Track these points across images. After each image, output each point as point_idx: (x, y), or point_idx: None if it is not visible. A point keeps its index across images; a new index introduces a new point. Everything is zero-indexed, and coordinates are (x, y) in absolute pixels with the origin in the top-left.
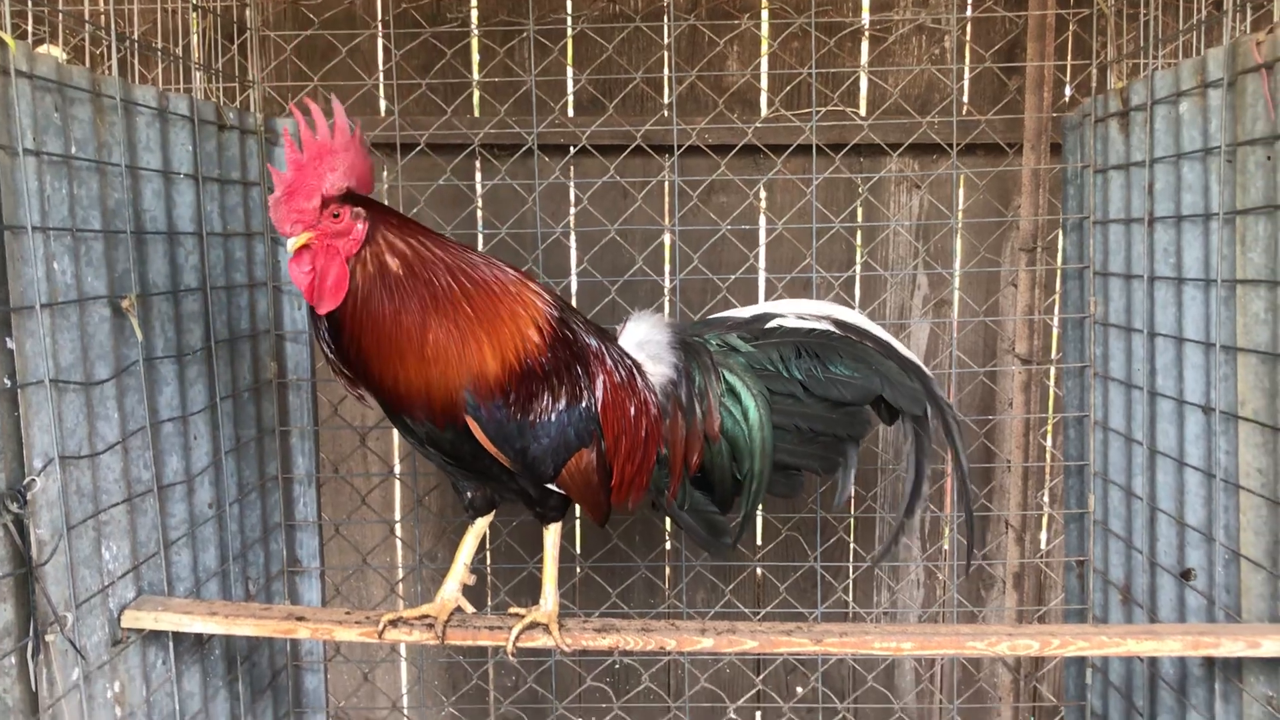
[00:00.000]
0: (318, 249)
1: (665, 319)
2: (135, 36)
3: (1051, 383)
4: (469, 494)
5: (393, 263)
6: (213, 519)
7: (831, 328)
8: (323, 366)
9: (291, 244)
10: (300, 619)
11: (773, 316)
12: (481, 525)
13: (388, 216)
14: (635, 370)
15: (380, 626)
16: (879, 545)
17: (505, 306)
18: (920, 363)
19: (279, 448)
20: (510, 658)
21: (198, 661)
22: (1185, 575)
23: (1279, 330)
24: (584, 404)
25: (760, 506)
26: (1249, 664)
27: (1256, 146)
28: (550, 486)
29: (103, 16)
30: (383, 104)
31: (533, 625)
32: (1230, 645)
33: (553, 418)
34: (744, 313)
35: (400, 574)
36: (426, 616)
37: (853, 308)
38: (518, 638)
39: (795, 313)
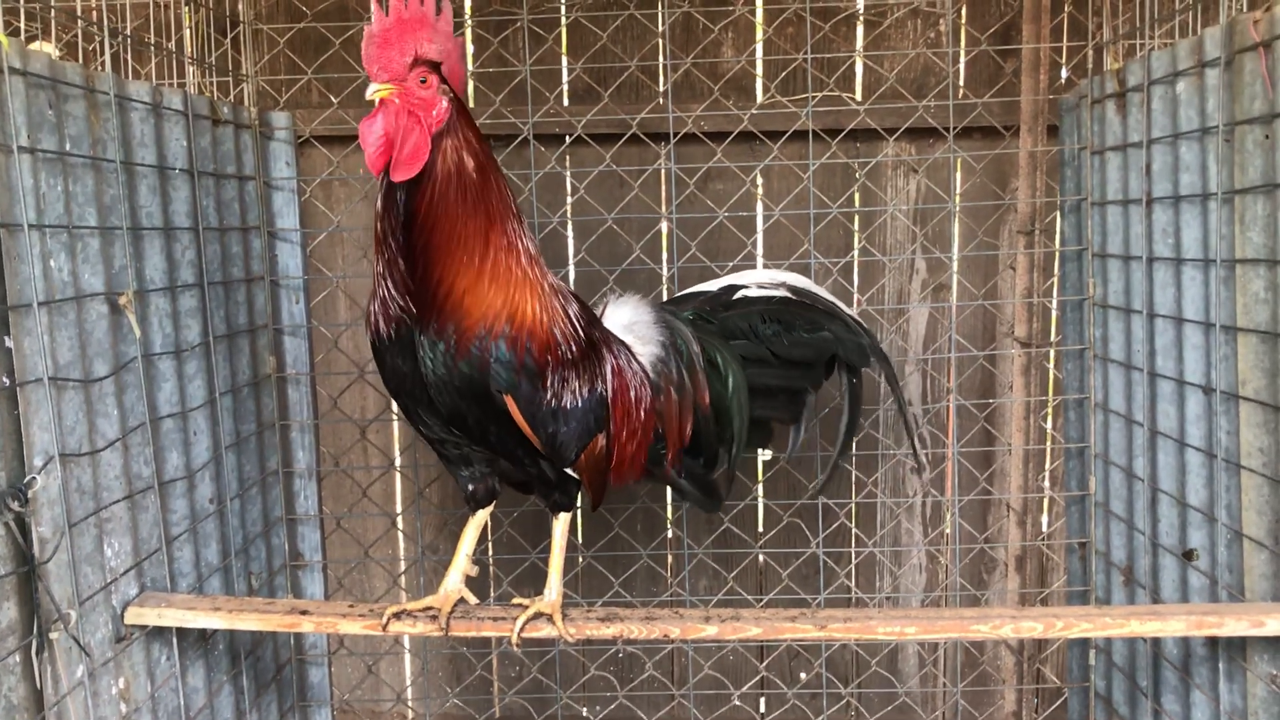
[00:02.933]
0: (398, 111)
1: (644, 300)
2: (128, 32)
3: (1051, 365)
4: (470, 486)
5: (469, 163)
6: (214, 514)
7: (788, 294)
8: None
9: (372, 90)
10: (304, 613)
11: (738, 288)
12: (482, 516)
13: (467, 113)
14: (630, 354)
15: (384, 619)
16: (877, 529)
17: (547, 281)
18: (859, 319)
19: (279, 442)
20: (514, 648)
21: (202, 657)
22: (1187, 556)
23: (1279, 309)
24: (599, 391)
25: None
26: (1253, 643)
27: (1254, 125)
28: (568, 470)
29: (95, 12)
30: None
31: (537, 615)
32: (1234, 625)
33: (579, 403)
34: (712, 286)
35: (403, 566)
36: (430, 608)
37: (820, 283)
38: (522, 628)
39: (756, 282)
